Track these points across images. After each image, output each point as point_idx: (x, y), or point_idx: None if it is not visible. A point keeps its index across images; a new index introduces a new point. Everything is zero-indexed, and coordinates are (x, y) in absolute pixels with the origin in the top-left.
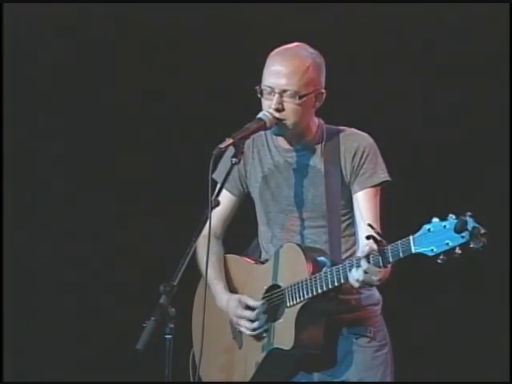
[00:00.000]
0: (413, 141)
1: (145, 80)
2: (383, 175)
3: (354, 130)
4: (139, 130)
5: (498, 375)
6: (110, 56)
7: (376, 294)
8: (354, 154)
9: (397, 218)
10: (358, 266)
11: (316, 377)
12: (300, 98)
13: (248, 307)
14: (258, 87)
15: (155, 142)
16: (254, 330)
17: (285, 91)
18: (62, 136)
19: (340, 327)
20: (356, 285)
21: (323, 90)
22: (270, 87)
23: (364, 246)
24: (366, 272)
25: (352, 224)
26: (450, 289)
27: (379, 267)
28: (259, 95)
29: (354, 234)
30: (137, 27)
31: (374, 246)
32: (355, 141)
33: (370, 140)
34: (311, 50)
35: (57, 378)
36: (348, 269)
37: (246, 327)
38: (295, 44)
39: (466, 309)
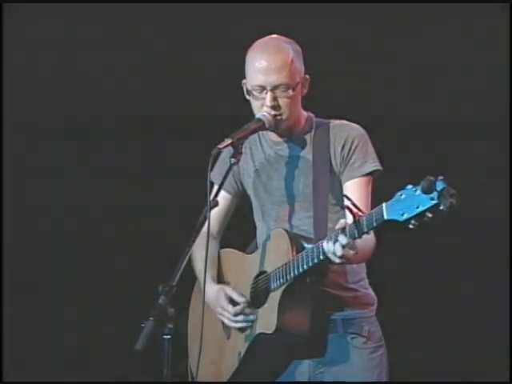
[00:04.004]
0: (413, 134)
1: (145, 80)
2: (373, 164)
3: (344, 121)
4: (139, 130)
5: (498, 375)
6: (110, 56)
7: (371, 293)
8: (344, 144)
9: None
10: (336, 240)
11: (308, 376)
12: (293, 90)
13: (231, 300)
14: (244, 87)
15: (155, 142)
16: (235, 322)
17: (277, 87)
18: (61, 136)
19: (335, 325)
20: (335, 260)
21: (307, 77)
22: (260, 86)
23: (339, 219)
24: (343, 246)
25: (343, 214)
26: (450, 288)
27: (355, 238)
28: (247, 96)
29: None
30: (137, 26)
31: (349, 220)
32: (345, 131)
33: (361, 130)
34: (287, 39)
35: (57, 378)
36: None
37: (228, 319)
38: (270, 37)
39: (466, 309)
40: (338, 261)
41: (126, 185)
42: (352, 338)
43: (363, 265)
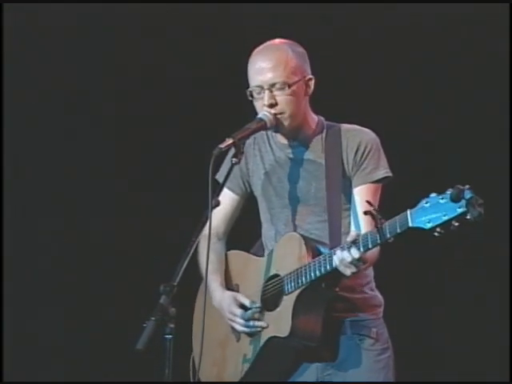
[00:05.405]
0: (413, 140)
1: (145, 80)
2: (384, 171)
3: (355, 125)
4: (139, 130)
5: (498, 375)
6: (110, 55)
7: (379, 295)
8: (357, 150)
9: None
10: (348, 253)
11: (316, 377)
12: (289, 87)
13: (242, 306)
14: (247, 91)
15: (155, 142)
16: (246, 327)
17: (273, 85)
18: (61, 136)
19: (343, 326)
20: (346, 272)
21: (311, 76)
22: (258, 86)
23: (352, 231)
24: (356, 259)
25: (355, 219)
26: (449, 288)
27: (377, 244)
28: (250, 98)
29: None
30: (137, 26)
31: (367, 228)
32: (358, 136)
33: (373, 135)
34: (289, 41)
35: (57, 378)
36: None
37: (239, 324)
38: (272, 40)
39: (466, 309)
40: (349, 273)
41: (127, 184)
42: (360, 340)
43: (371, 267)
